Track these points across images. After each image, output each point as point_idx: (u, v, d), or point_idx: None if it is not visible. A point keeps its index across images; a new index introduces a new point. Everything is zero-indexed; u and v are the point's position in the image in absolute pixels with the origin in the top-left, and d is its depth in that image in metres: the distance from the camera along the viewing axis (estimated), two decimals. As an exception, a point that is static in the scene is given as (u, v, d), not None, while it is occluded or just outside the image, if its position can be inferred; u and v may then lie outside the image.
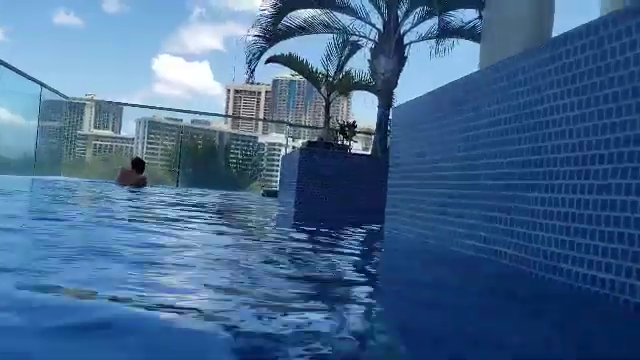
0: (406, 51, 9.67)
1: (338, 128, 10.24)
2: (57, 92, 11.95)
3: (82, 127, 32.77)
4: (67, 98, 12.84)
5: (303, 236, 3.98)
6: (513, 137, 2.51)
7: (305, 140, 22.51)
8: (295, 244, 3.29)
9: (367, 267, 2.67)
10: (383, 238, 4.05)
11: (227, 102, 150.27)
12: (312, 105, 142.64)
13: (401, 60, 9.60)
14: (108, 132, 48.23)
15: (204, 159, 23.28)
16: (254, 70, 10.69)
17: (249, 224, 4.93)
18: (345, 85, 13.57)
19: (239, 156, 29.32)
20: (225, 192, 13.67)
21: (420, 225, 3.43)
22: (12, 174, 10.11)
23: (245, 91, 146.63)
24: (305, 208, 7.91)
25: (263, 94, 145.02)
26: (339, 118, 16.76)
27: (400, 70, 9.60)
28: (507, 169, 2.53)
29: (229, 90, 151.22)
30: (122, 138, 45.01)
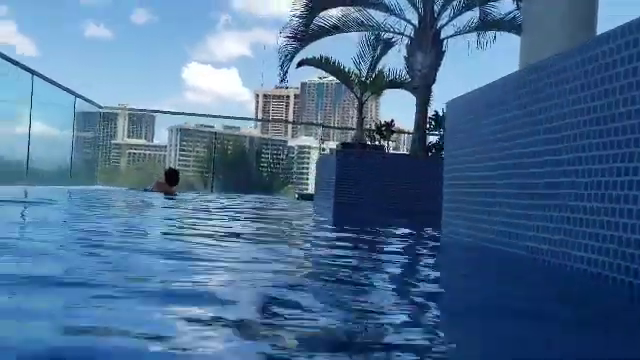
0: (443, 46, 9.33)
1: (374, 128, 9.95)
2: (91, 102, 11.95)
3: (116, 136, 33.24)
4: (101, 108, 12.86)
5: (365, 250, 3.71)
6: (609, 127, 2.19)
7: (336, 142, 22.18)
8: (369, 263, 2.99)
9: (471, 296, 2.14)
10: (445, 244, 3.75)
11: (256, 107, 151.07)
12: (340, 107, 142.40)
13: (439, 55, 9.26)
14: (141, 141, 48.81)
15: (236, 164, 23.28)
16: (287, 72, 10.49)
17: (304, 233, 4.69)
18: (378, 84, 13.29)
19: (270, 160, 29.21)
20: (260, 196, 13.52)
21: (487, 229, 3.13)
22: (48, 184, 10.12)
23: (274, 96, 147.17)
24: (345, 211, 7.64)
25: (292, 98, 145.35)
26: (370, 119, 16.50)
27: (438, 65, 9.26)
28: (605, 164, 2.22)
29: (258, 95, 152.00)
30: (155, 146, 45.53)
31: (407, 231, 4.60)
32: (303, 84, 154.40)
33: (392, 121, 9.24)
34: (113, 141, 32.60)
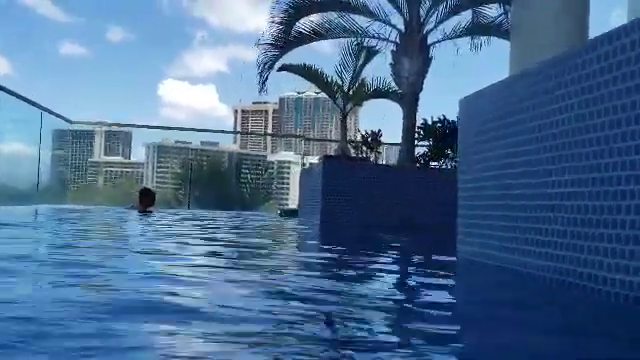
0: (431, 51, 8.94)
1: (360, 139, 9.48)
2: (59, 116, 11.30)
3: (93, 154, 32.55)
4: (71, 122, 12.22)
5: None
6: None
7: (317, 156, 21.73)
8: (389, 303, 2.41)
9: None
10: (472, 270, 3.22)
11: (235, 123, 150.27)
12: (319, 122, 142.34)
13: (426, 61, 8.87)
14: (118, 158, 48.01)
15: (213, 180, 22.73)
16: (266, 81, 10.00)
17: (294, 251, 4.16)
18: (361, 94, 12.87)
19: (250, 176, 28.69)
20: (240, 213, 12.93)
21: (514, 250, 2.65)
22: (13, 204, 9.44)
23: (253, 111, 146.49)
24: (333, 227, 7.14)
25: (270, 112, 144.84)
26: (352, 130, 16.01)
27: (425, 72, 8.86)
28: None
29: (236, 111, 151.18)
30: (132, 163, 44.78)
31: (415, 256, 4.08)
32: (282, 99, 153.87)
33: (379, 131, 8.79)
34: (90, 159, 31.91)
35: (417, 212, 7.29)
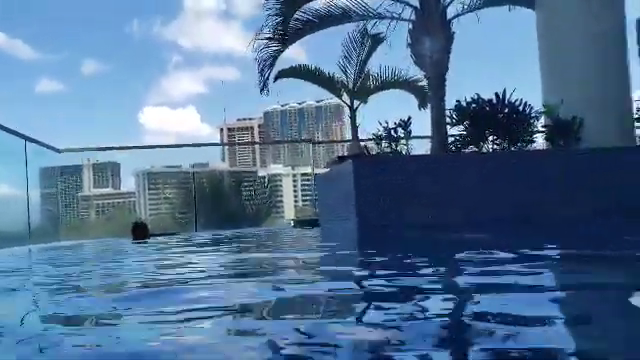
0: (452, 26, 7.99)
1: (381, 134, 8.43)
2: (46, 145, 10.27)
3: (82, 189, 31.58)
4: (59, 151, 11.21)
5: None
6: None
7: (309, 166, 20.96)
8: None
9: None
10: None
11: (222, 141, 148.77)
12: (306, 130, 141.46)
13: (448, 38, 7.91)
14: (108, 190, 46.92)
15: (216, 200, 21.99)
16: (267, 79, 9.00)
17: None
18: (367, 88, 11.90)
19: (251, 192, 27.89)
20: (253, 229, 11.95)
21: None
22: (6, 247, 8.50)
23: (238, 128, 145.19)
24: (376, 234, 6.13)
25: (256, 128, 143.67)
26: (335, 135, 15.00)
27: (449, 50, 7.90)
28: None
29: (222, 129, 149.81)
30: (123, 193, 43.78)
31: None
32: (266, 113, 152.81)
33: (409, 119, 7.79)
34: (80, 194, 30.86)
35: (480, 204, 6.32)
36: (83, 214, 30.56)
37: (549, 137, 7.45)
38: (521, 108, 7.32)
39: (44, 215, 12.14)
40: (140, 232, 9.72)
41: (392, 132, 8.05)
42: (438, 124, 7.64)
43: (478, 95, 7.43)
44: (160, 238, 9.53)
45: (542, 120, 7.72)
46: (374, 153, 8.33)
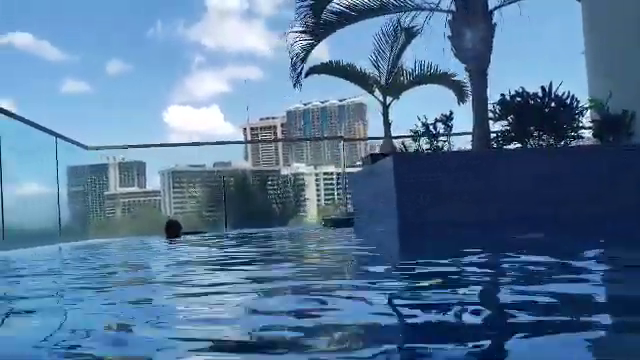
0: (494, 18, 7.68)
1: (419, 130, 8.14)
2: (74, 142, 10.21)
3: (109, 187, 31.95)
4: (87, 148, 11.16)
5: None
6: None
7: (329, 165, 20.64)
8: None
9: None
10: None
11: (245, 140, 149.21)
12: (328, 129, 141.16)
13: (490, 30, 7.60)
14: (134, 188, 47.38)
15: (241, 199, 21.95)
16: (301, 74, 8.78)
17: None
18: (400, 83, 11.62)
19: (276, 191, 27.95)
20: (286, 229, 11.78)
21: None
22: (37, 245, 8.43)
23: (261, 127, 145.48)
24: (419, 235, 5.88)
25: (279, 127, 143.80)
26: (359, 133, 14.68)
27: (491, 42, 7.59)
28: None
29: (245, 129, 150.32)
30: (148, 192, 44.16)
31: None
32: (289, 112, 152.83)
33: (451, 113, 7.49)
34: (106, 192, 31.18)
35: (527, 200, 6.03)
36: (109, 212, 30.87)
37: (597, 133, 7.10)
38: (568, 101, 6.99)
39: (73, 213, 12.14)
40: (173, 230, 9.60)
41: (431, 127, 7.78)
42: (480, 119, 7.34)
43: (523, 88, 7.11)
44: (192, 237, 9.40)
45: (588, 115, 7.38)
46: (412, 150, 8.07)
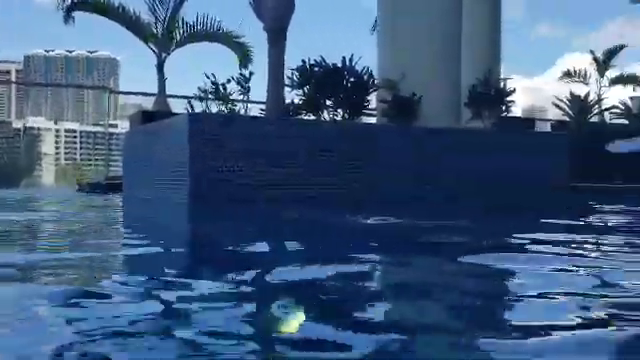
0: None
1: (208, 89, 7.26)
2: None
3: None
4: None
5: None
6: None
7: (73, 122, 19.04)
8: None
9: None
10: None
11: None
12: (73, 82, 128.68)
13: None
14: None
15: None
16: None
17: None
18: (181, 36, 10.53)
19: (4, 145, 24.13)
20: (31, 192, 9.87)
21: None
22: None
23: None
24: (218, 202, 5.18)
25: (14, 73, 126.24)
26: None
27: (293, 3, 7.10)
28: None
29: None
30: None
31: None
32: (27, 57, 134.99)
33: (251, 74, 6.78)
34: None
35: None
36: None
37: (387, 112, 7.16)
38: (365, 78, 6.89)
39: None
40: None
41: (220, 88, 7.05)
42: (275, 83, 6.81)
43: (323, 58, 6.80)
44: None
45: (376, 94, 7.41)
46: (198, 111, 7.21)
